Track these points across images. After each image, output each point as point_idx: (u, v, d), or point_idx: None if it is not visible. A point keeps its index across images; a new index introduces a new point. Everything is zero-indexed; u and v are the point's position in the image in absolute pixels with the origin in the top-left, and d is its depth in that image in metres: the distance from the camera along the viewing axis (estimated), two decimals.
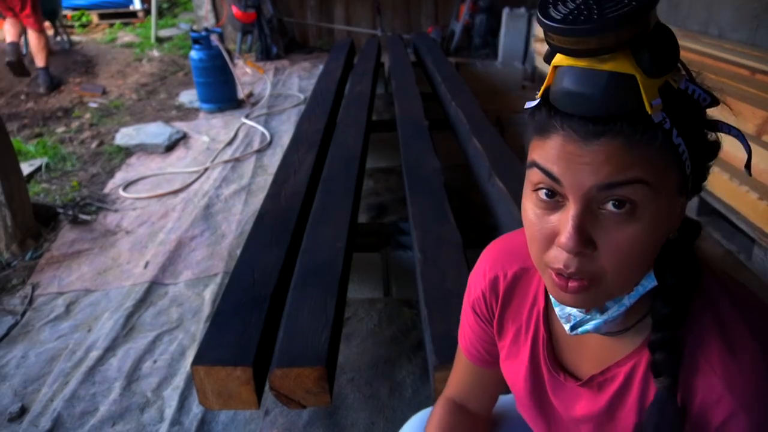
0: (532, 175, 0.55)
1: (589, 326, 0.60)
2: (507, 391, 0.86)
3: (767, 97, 2.51)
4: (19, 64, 5.15)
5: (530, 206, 0.56)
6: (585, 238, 0.51)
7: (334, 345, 1.38)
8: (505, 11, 5.95)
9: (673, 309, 0.56)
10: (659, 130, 0.49)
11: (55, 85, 5.31)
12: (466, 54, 6.51)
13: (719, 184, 2.45)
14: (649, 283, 0.57)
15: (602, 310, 0.59)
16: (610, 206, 0.51)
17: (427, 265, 1.61)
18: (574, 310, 0.61)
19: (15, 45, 5.08)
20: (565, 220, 0.52)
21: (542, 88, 0.54)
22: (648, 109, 0.48)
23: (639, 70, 0.48)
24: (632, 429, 0.62)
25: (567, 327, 0.62)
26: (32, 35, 5.16)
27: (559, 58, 0.51)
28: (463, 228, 1.81)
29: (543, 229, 0.55)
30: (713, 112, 0.57)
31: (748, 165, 0.58)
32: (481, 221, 2.28)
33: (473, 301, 0.81)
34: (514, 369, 0.77)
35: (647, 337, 0.60)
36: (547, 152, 0.52)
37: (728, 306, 0.57)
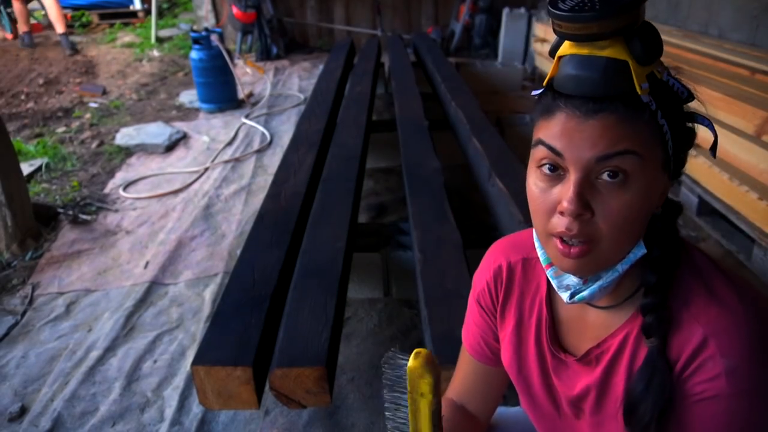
0: (537, 153, 0.62)
1: (585, 293, 0.65)
2: (514, 399, 0.87)
3: (767, 97, 2.51)
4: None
5: (534, 181, 0.63)
6: (584, 203, 0.59)
7: (334, 345, 1.38)
8: (505, 11, 5.95)
9: (659, 276, 0.63)
10: (647, 110, 0.58)
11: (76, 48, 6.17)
12: (466, 54, 6.51)
13: (719, 184, 2.45)
14: (639, 250, 0.63)
15: (597, 279, 0.65)
16: (605, 177, 0.58)
17: (427, 265, 1.61)
18: (572, 280, 0.67)
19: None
20: (566, 189, 0.59)
21: (547, 77, 0.62)
22: (638, 90, 0.57)
23: (631, 57, 0.56)
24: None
25: (566, 296, 0.66)
26: (48, 3, 5.86)
27: (563, 48, 0.60)
28: (463, 228, 1.81)
29: (546, 200, 0.62)
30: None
31: (713, 148, 0.66)
32: (481, 221, 2.29)
33: (478, 294, 0.83)
34: (520, 356, 0.79)
35: (638, 309, 0.65)
36: (551, 130, 0.60)
37: (715, 274, 0.64)
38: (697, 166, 2.60)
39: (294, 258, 1.73)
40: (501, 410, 0.98)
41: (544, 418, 0.79)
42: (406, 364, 0.68)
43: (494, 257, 0.82)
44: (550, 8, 0.58)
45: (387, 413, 0.73)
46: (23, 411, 1.79)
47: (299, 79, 5.61)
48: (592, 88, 0.57)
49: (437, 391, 0.67)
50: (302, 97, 4.95)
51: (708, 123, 0.64)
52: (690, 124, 0.63)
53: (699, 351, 0.60)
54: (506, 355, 0.81)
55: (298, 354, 1.27)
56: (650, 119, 0.58)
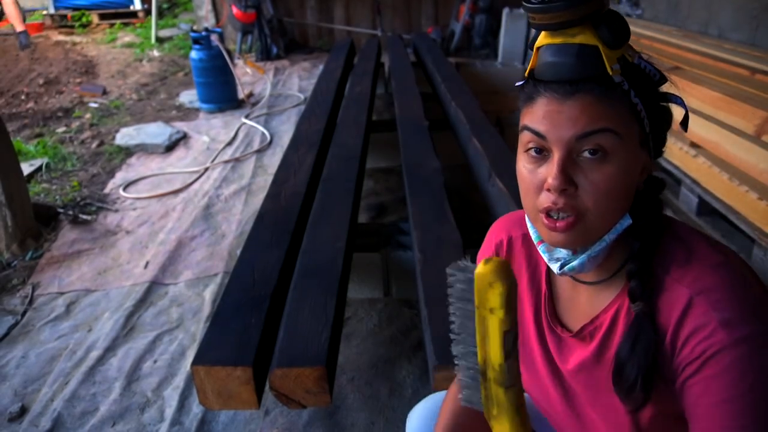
0: (524, 137, 0.68)
1: (575, 263, 0.68)
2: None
3: (767, 97, 2.51)
4: None
5: (523, 164, 0.68)
6: (567, 178, 0.63)
7: (334, 345, 1.38)
8: (505, 11, 5.95)
9: (642, 243, 0.67)
10: (619, 90, 0.62)
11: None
12: (466, 54, 6.51)
13: (719, 184, 2.45)
14: (626, 221, 0.67)
15: (586, 249, 0.68)
16: (586, 154, 0.63)
17: (427, 265, 1.61)
18: (562, 252, 0.70)
19: None
20: (551, 168, 0.64)
21: (528, 68, 0.67)
22: (609, 71, 0.62)
23: (601, 42, 0.62)
24: None
25: (556, 267, 0.69)
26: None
27: (540, 40, 0.65)
28: (463, 228, 1.81)
29: (534, 180, 0.66)
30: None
31: (684, 122, 0.70)
32: (481, 221, 2.29)
33: None
34: (522, 331, 0.80)
35: (627, 282, 0.67)
36: (534, 115, 0.65)
37: (696, 240, 0.67)
38: (697, 166, 2.59)
39: (294, 258, 1.73)
40: None
41: (545, 395, 0.80)
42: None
43: (496, 233, 0.85)
44: (524, 3, 0.64)
45: (452, 335, 0.64)
46: (23, 411, 1.79)
47: (299, 79, 5.61)
48: (568, 72, 0.62)
49: (511, 306, 0.59)
50: (302, 97, 4.95)
51: (680, 101, 0.68)
52: (666, 105, 0.68)
53: (688, 310, 0.62)
54: None
55: (298, 354, 1.27)
56: (623, 98, 0.62)
